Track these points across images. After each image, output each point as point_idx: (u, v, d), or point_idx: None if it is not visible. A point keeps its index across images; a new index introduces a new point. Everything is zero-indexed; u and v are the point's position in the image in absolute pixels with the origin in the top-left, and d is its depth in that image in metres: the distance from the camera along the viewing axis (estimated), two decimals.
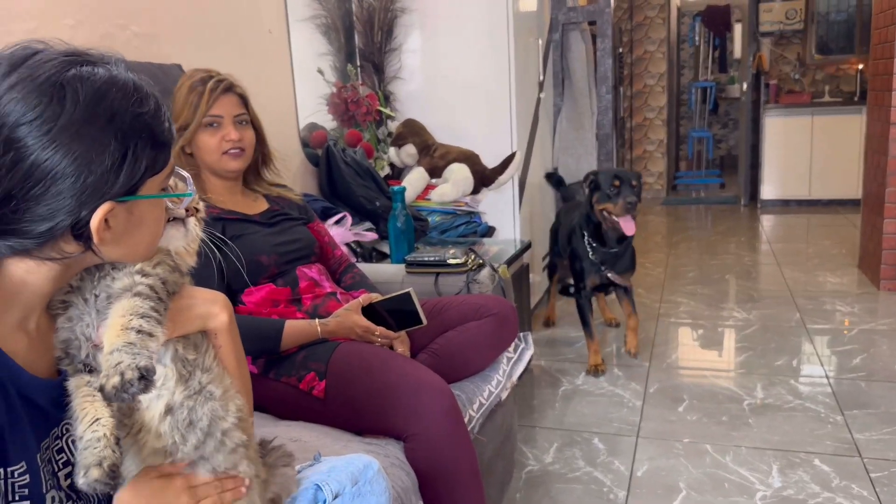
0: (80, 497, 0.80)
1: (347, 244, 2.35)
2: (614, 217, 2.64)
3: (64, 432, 0.79)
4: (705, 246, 4.96)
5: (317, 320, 1.52)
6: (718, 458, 2.08)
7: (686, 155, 8.10)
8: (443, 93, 3.04)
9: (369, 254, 2.52)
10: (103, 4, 1.72)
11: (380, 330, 1.53)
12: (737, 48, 7.61)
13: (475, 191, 2.86)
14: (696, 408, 2.43)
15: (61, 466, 0.78)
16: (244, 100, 1.56)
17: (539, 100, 3.40)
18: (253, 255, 1.53)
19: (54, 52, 0.71)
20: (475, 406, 1.58)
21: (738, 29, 7.55)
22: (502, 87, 2.95)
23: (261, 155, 1.67)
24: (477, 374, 1.69)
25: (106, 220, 0.71)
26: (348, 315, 1.53)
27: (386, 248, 2.55)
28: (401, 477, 1.25)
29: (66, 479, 0.78)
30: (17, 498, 0.70)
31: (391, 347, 1.57)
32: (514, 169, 2.83)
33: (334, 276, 1.79)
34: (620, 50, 6.30)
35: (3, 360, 0.71)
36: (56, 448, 0.78)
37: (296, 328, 1.49)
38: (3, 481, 0.69)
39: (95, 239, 0.71)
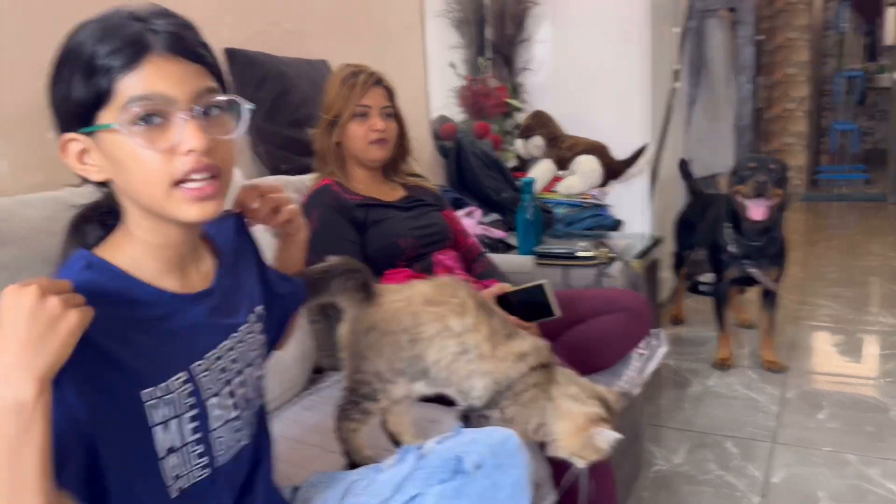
0: (248, 407, 0.87)
1: (476, 236, 2.38)
2: (744, 199, 2.50)
3: (236, 343, 0.86)
4: (847, 245, 4.63)
5: None
6: (863, 470, 1.95)
7: (828, 148, 7.57)
8: (572, 84, 3.01)
9: (496, 245, 2.55)
10: (258, 4, 1.84)
11: (513, 320, 1.55)
12: (889, 34, 7.01)
13: (603, 183, 2.82)
14: (838, 416, 2.28)
15: (234, 374, 0.85)
16: (390, 93, 1.63)
17: (673, 90, 3.29)
18: (392, 239, 1.60)
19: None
20: None
21: (891, 13, 6.95)
22: (635, 78, 2.89)
23: (400, 147, 1.73)
24: (607, 370, 1.67)
25: (82, 155, 0.75)
26: None
27: (513, 239, 2.57)
28: (536, 467, 1.26)
29: (240, 387, 0.85)
30: (185, 404, 0.77)
31: None
32: (645, 161, 2.76)
33: (465, 265, 1.82)
34: (760, 37, 5.96)
35: (156, 292, 0.78)
36: (229, 358, 0.84)
37: None
38: (174, 392, 0.76)
39: (76, 171, 0.76)
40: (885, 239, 4.73)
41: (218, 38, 1.70)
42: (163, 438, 0.75)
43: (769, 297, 2.71)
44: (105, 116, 0.72)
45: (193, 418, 0.78)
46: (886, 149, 6.87)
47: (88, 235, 0.81)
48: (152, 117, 0.72)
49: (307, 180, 1.71)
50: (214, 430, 0.81)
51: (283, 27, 1.91)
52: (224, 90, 0.79)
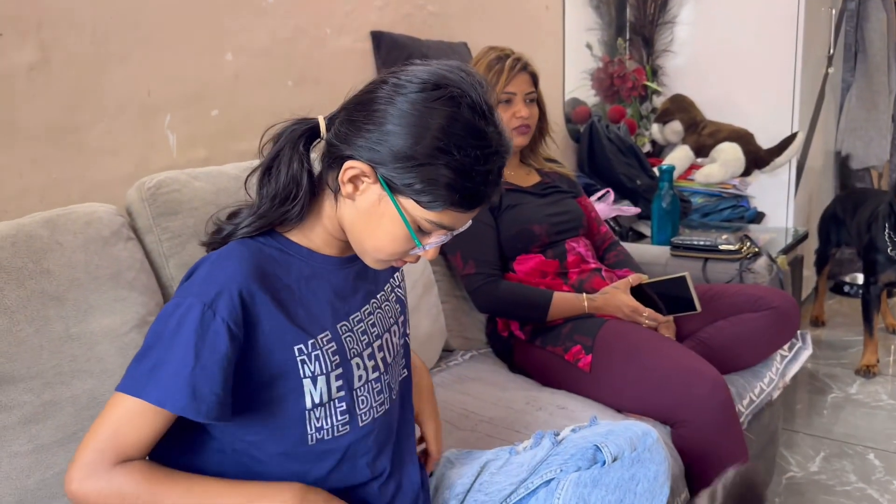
0: (387, 371, 0.91)
1: (606, 221, 2.33)
2: None
3: (375, 308, 0.91)
4: None
5: (584, 295, 1.54)
6: None
7: None
8: (715, 67, 2.86)
9: (626, 233, 2.48)
10: None
11: (648, 312, 1.51)
12: None
13: (746, 173, 2.68)
14: None
15: (373, 338, 0.90)
16: (535, 79, 1.61)
17: (826, 75, 3.06)
18: (526, 224, 1.59)
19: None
20: (745, 402, 1.50)
21: None
22: (785, 61, 2.71)
23: (539, 129, 1.72)
24: (747, 370, 1.60)
25: (356, 182, 0.80)
26: (616, 293, 1.53)
27: (643, 228, 2.49)
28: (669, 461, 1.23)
29: (379, 351, 0.90)
30: (333, 362, 0.83)
31: (656, 330, 1.54)
32: (793, 151, 2.60)
33: (598, 253, 1.79)
34: None
35: (312, 254, 0.86)
36: (369, 322, 0.90)
37: (564, 300, 1.52)
38: (320, 349, 0.82)
39: (341, 187, 0.81)
40: None
41: (365, 21, 1.76)
42: (312, 391, 0.82)
43: None
44: (423, 203, 0.78)
45: (339, 377, 0.84)
46: None
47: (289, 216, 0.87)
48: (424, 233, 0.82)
49: None
50: (356, 388, 0.86)
51: (426, 10, 1.94)
52: None
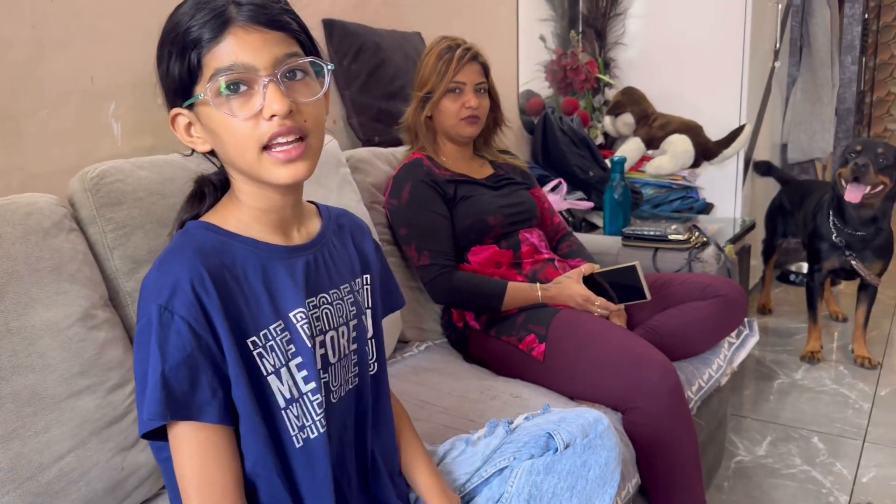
0: (326, 371, 0.86)
1: (560, 212, 2.35)
2: (844, 182, 2.38)
3: (322, 303, 0.86)
4: None
5: (538, 285, 1.55)
6: None
7: None
8: (666, 60, 2.91)
9: (579, 224, 2.51)
10: None
11: (600, 300, 1.53)
12: None
13: (695, 164, 2.73)
14: None
15: (316, 332, 0.85)
16: (486, 69, 1.61)
17: (773, 69, 3.14)
18: (480, 216, 1.60)
19: None
20: (694, 388, 1.53)
21: None
22: (733, 55, 2.77)
23: (492, 120, 1.72)
24: (696, 357, 1.64)
25: (188, 128, 0.80)
26: (569, 283, 1.55)
27: (596, 219, 2.52)
28: (620, 448, 1.25)
29: (321, 347, 0.85)
30: (288, 351, 0.80)
31: (608, 319, 1.57)
32: (741, 143, 2.66)
33: (551, 244, 1.81)
34: (866, 16, 5.60)
35: (258, 243, 0.82)
36: (314, 315, 0.85)
37: (518, 290, 1.53)
38: (273, 340, 0.79)
39: (186, 143, 0.81)
40: None
41: (317, 9, 1.74)
42: (279, 388, 0.79)
43: (867, 290, 2.59)
44: (199, 90, 0.76)
45: (300, 366, 0.81)
46: None
47: (202, 203, 0.86)
48: (238, 85, 0.74)
49: (398, 153, 1.73)
50: (326, 374, 0.84)
51: None
52: (314, 53, 0.80)
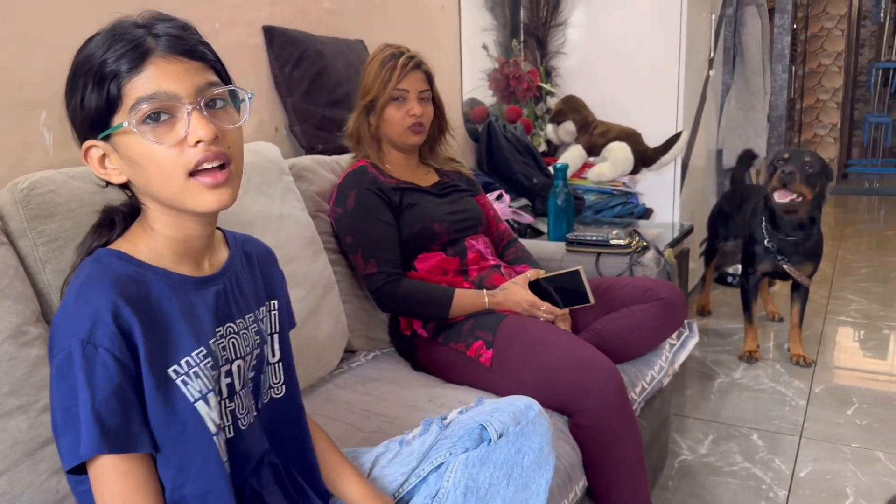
0: (232, 398, 0.86)
1: (505, 220, 2.38)
2: (773, 190, 2.46)
3: (229, 333, 0.85)
4: (879, 241, 4.56)
5: (485, 291, 1.56)
6: (891, 467, 1.94)
7: (861, 141, 7.43)
8: (606, 69, 2.97)
9: (524, 230, 2.54)
10: None
11: (545, 305, 1.55)
12: None
13: (634, 171, 2.80)
14: (867, 412, 2.26)
15: (223, 362, 0.84)
16: (429, 77, 1.62)
17: (708, 77, 3.24)
18: (427, 223, 1.60)
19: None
20: (637, 390, 1.56)
21: None
22: (670, 64, 2.85)
23: (437, 127, 1.73)
24: (638, 359, 1.67)
25: (103, 160, 0.80)
26: (515, 289, 1.56)
27: (541, 225, 2.56)
28: (567, 451, 1.27)
29: (226, 377, 0.84)
30: (213, 377, 0.80)
31: (553, 323, 1.59)
32: (678, 149, 2.73)
33: (497, 250, 1.82)
34: (795, 26, 5.85)
35: (171, 274, 0.81)
36: (220, 345, 0.84)
37: (465, 297, 1.54)
38: (196, 366, 0.79)
39: (99, 176, 0.81)
40: None
41: (257, 16, 1.72)
42: (208, 413, 0.79)
43: (799, 291, 2.69)
44: (118, 120, 0.76)
45: (220, 392, 0.82)
46: None
47: (112, 230, 0.85)
48: (160, 114, 0.75)
49: (343, 161, 1.72)
50: (232, 403, 0.84)
51: (322, 6, 1.91)
52: (230, 83, 0.82)
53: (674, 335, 1.76)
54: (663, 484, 1.91)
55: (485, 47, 2.83)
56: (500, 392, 1.43)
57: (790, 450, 2.06)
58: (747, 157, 3.25)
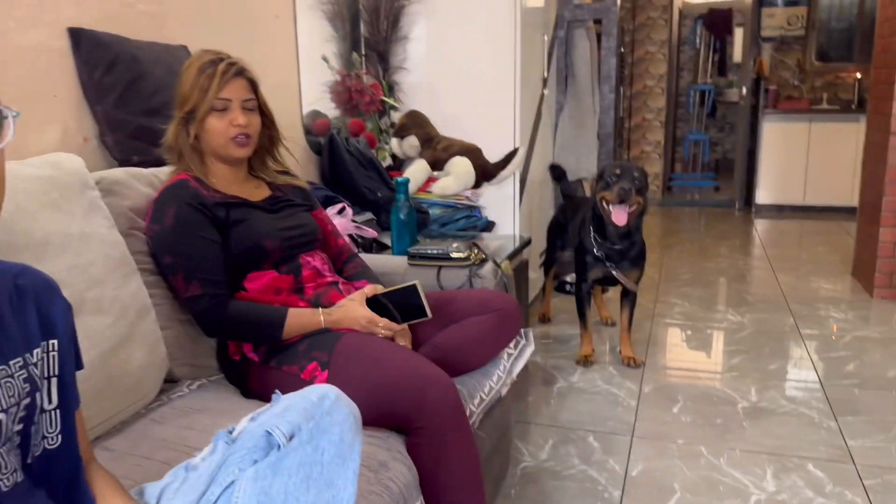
0: (8, 439, 0.76)
1: (349, 235, 2.33)
2: (609, 205, 2.61)
3: (17, 368, 0.76)
4: (699, 248, 4.97)
5: (320, 309, 1.50)
6: (713, 461, 2.08)
7: (682, 157, 8.11)
8: (447, 85, 3.02)
9: (369, 245, 2.50)
10: None
11: (384, 322, 1.52)
12: (737, 52, 7.63)
13: (476, 185, 2.85)
14: (691, 409, 2.43)
15: (16, 398, 0.75)
16: (254, 85, 1.54)
17: (542, 96, 3.38)
18: (256, 241, 1.52)
19: None
20: (476, 401, 1.57)
21: (739, 33, 7.55)
22: (506, 82, 2.94)
23: (268, 138, 1.65)
24: (478, 370, 1.68)
25: None
26: (352, 306, 1.52)
27: (386, 239, 2.53)
28: (402, 471, 1.24)
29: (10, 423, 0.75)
30: None
31: (393, 339, 1.56)
32: (516, 164, 2.82)
33: (336, 266, 1.77)
34: (622, 49, 6.29)
35: None
36: (19, 374, 0.75)
37: (299, 316, 1.48)
38: None
39: None
40: (732, 242, 5.13)
41: (61, 17, 1.56)
42: None
43: (628, 297, 2.85)
44: None
45: None
46: (734, 158, 7.46)
47: None
48: None
49: (162, 174, 1.59)
50: None
51: (137, 8, 1.77)
52: None
53: (511, 344, 1.79)
54: (506, 493, 1.94)
55: (325, 59, 2.78)
56: None
57: (623, 449, 2.17)
58: (557, 171, 3.43)
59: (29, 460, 0.79)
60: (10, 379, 0.76)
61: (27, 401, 0.78)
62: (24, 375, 0.78)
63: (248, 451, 0.83)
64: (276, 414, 0.86)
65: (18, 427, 0.77)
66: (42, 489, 0.80)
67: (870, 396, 2.50)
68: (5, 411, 0.75)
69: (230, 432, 0.89)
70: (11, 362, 0.76)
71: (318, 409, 0.86)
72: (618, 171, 2.61)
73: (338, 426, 0.86)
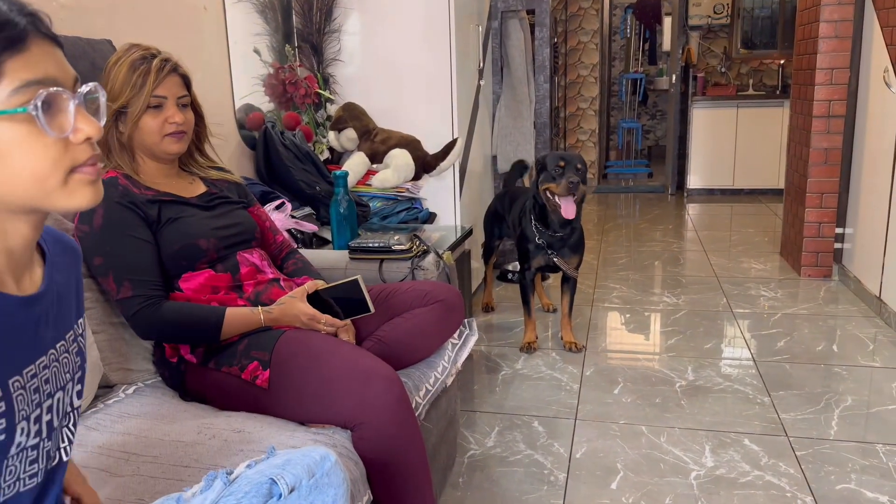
0: (50, 436, 0.76)
1: (288, 230, 2.29)
2: (557, 198, 2.64)
3: (52, 361, 0.75)
4: (634, 233, 5.10)
5: (260, 308, 1.48)
6: (653, 440, 2.15)
7: (616, 145, 8.29)
8: (383, 77, 3.00)
9: (310, 239, 2.47)
10: None
11: (326, 318, 1.50)
12: (666, 41, 7.82)
13: (416, 177, 2.84)
14: (631, 390, 2.49)
15: (45, 397, 0.74)
16: (187, 81, 1.49)
17: (479, 87, 3.40)
18: (190, 239, 1.48)
19: None
20: (421, 393, 1.57)
21: (667, 22, 7.74)
22: (443, 73, 2.94)
23: (195, 134, 1.61)
24: (422, 361, 1.68)
25: None
26: (293, 302, 1.50)
27: (327, 234, 2.51)
28: (349, 467, 1.23)
29: (47, 413, 0.75)
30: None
31: (336, 335, 1.55)
32: (455, 155, 2.82)
33: (276, 262, 1.74)
34: (555, 40, 6.37)
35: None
36: (43, 377, 0.74)
37: (238, 316, 1.45)
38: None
39: None
40: (666, 227, 5.27)
41: None
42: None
43: (569, 283, 2.90)
44: None
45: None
46: (665, 145, 7.66)
47: None
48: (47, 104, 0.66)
49: None
50: (10, 456, 0.71)
51: (57, 1, 1.70)
52: None
53: (455, 335, 1.80)
54: (454, 482, 1.95)
55: (257, 52, 2.72)
56: (281, 414, 1.37)
57: (567, 433, 2.21)
58: (520, 166, 3.46)
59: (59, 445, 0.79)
60: (66, 354, 0.78)
61: (80, 373, 0.81)
62: (76, 348, 0.81)
63: (247, 495, 0.85)
64: (276, 465, 0.89)
65: (78, 402, 0.80)
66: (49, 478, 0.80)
67: (800, 371, 2.61)
68: (63, 388, 0.76)
69: (229, 473, 0.90)
70: (67, 335, 0.78)
71: (319, 468, 0.90)
72: (562, 164, 2.64)
73: (333, 488, 0.89)
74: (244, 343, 1.44)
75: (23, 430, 0.71)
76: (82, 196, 0.71)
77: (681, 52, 6.46)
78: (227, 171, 1.72)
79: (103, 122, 0.73)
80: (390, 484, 1.32)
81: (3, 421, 0.68)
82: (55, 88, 0.67)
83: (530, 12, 3.87)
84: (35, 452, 0.75)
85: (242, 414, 1.35)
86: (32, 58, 0.66)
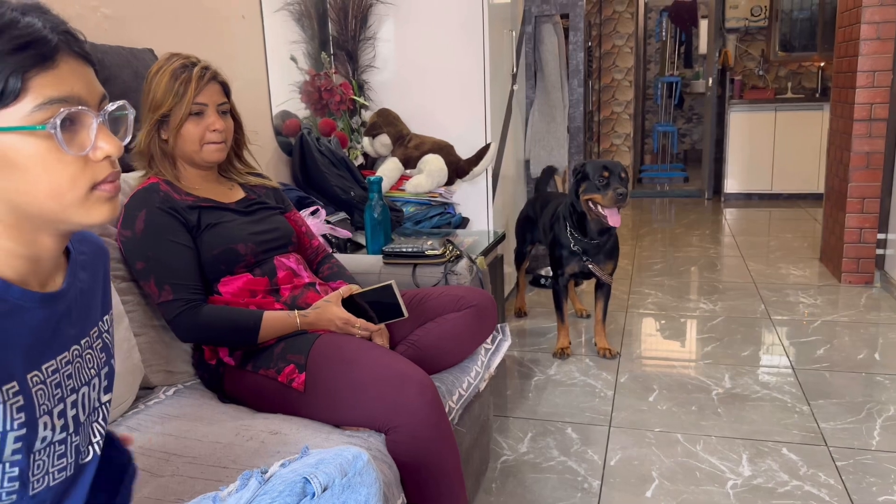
0: (77, 431, 0.78)
1: (323, 235, 2.32)
2: (601, 208, 2.62)
3: (75, 357, 0.77)
4: (670, 238, 5.04)
5: (296, 312, 1.50)
6: (689, 448, 2.12)
7: (651, 149, 8.20)
8: (417, 83, 3.02)
9: (344, 244, 2.50)
10: None
11: (360, 322, 1.52)
12: (702, 44, 7.72)
13: (449, 182, 2.86)
14: (666, 397, 2.46)
15: (68, 392, 0.76)
16: (226, 89, 1.53)
17: (512, 91, 3.40)
18: (229, 244, 1.51)
19: None
20: (455, 397, 1.58)
21: (704, 25, 7.65)
22: (476, 79, 2.94)
23: (235, 141, 1.64)
24: (455, 366, 1.69)
25: None
26: (328, 307, 1.51)
27: (361, 239, 2.53)
28: (383, 470, 1.24)
29: (72, 408, 0.77)
30: (15, 420, 0.69)
31: (370, 339, 1.56)
32: (488, 160, 2.83)
33: (311, 267, 1.77)
34: (590, 44, 6.34)
35: (9, 287, 0.71)
36: (65, 372, 0.76)
37: (275, 319, 1.47)
38: (2, 403, 0.68)
39: None
40: (703, 232, 5.20)
41: None
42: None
43: (603, 289, 2.88)
44: (8, 117, 0.66)
45: (19, 438, 0.70)
46: (701, 149, 7.56)
47: None
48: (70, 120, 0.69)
49: (131, 179, 1.57)
50: (35, 451, 0.72)
51: (100, 11, 1.75)
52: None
53: (488, 340, 1.80)
54: (487, 487, 1.95)
55: (293, 59, 2.76)
56: (315, 416, 1.39)
57: (601, 440, 2.19)
58: (549, 171, 3.45)
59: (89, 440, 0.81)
60: (90, 350, 0.79)
61: (106, 369, 0.83)
62: (100, 344, 0.82)
63: (281, 494, 0.86)
64: (309, 464, 0.90)
65: (107, 397, 0.82)
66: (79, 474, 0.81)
67: (840, 379, 2.56)
68: (88, 383, 0.78)
69: (263, 472, 0.92)
70: (92, 331, 0.80)
71: (351, 467, 0.91)
72: (606, 173, 2.58)
73: (365, 487, 0.90)
74: (281, 346, 1.46)
75: (45, 424, 0.73)
76: (99, 212, 0.72)
77: (717, 54, 6.38)
78: (265, 177, 1.75)
79: (128, 140, 0.76)
80: (424, 488, 1.32)
81: (23, 415, 0.70)
82: (78, 107, 0.68)
83: (564, 16, 3.86)
84: (63, 447, 0.76)
85: (279, 416, 1.37)
86: (60, 75, 0.68)
